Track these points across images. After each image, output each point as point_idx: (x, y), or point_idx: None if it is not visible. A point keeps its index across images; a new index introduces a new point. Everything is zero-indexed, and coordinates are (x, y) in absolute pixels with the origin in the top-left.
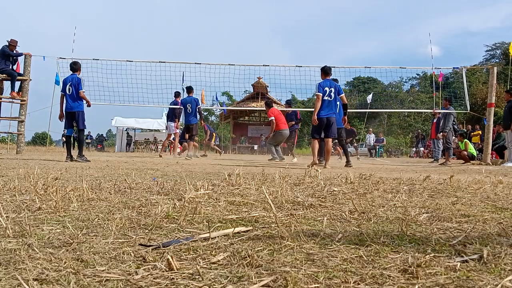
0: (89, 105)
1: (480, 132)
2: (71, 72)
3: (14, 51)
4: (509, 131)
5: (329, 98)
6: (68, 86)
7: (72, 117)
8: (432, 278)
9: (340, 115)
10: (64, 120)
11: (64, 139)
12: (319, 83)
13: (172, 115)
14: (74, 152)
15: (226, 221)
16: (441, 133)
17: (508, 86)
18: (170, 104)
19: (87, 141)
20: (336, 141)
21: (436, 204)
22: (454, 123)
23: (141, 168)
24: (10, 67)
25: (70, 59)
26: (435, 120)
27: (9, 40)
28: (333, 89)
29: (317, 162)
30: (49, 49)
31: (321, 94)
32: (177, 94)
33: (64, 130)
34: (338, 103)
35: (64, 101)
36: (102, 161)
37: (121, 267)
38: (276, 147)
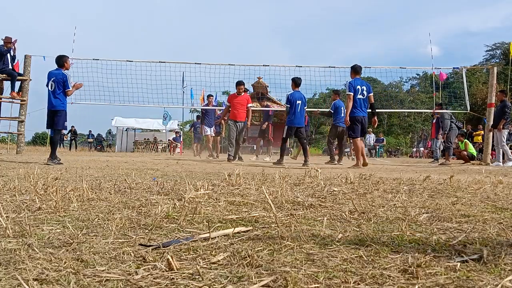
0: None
1: (482, 132)
2: (56, 67)
3: (12, 48)
4: (497, 131)
5: (362, 97)
6: (50, 82)
7: (53, 115)
8: (432, 278)
9: None
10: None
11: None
12: (350, 82)
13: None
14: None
15: (226, 221)
16: (443, 134)
17: (508, 86)
18: (203, 107)
19: (89, 140)
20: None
21: (436, 204)
22: (453, 121)
23: (141, 168)
24: (10, 66)
25: (71, 59)
26: (434, 121)
27: (3, 38)
28: (365, 87)
29: (367, 162)
30: (49, 49)
31: (352, 94)
32: (209, 96)
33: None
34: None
35: (47, 98)
36: (102, 161)
37: (121, 267)
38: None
